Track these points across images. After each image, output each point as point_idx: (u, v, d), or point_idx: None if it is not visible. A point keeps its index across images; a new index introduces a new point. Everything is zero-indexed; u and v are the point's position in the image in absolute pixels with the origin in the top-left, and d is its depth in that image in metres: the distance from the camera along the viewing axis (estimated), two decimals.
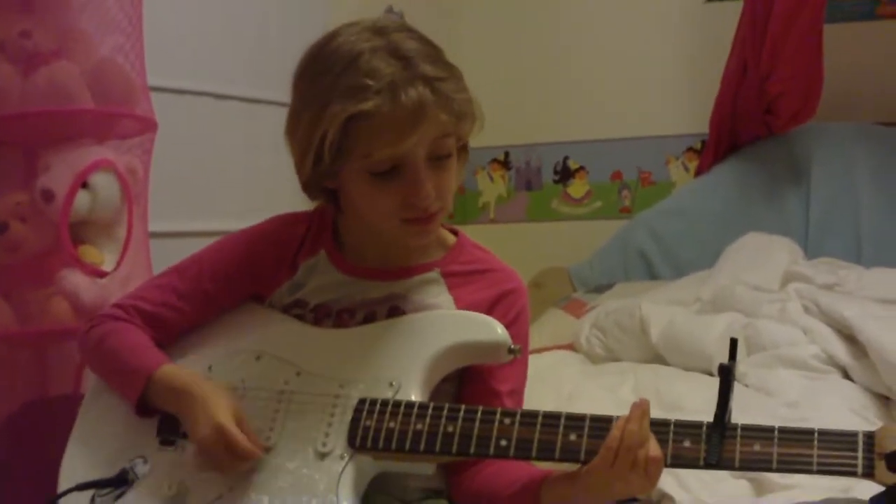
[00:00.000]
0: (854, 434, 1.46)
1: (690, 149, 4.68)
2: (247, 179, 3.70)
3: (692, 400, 2.60)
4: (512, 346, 1.62)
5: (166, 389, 1.66)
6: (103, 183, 2.67)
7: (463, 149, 1.70)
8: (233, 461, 1.57)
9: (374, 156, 1.57)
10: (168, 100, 3.22)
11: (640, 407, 1.48)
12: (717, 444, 1.46)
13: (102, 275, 2.65)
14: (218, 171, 3.68)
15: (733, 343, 1.50)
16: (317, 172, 1.64)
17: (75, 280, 2.61)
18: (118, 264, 2.71)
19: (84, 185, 2.63)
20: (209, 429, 1.57)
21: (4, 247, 2.68)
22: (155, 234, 2.97)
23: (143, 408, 1.69)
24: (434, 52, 1.60)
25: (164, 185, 3.09)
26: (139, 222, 2.82)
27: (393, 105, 1.53)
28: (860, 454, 1.44)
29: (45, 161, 2.67)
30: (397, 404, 1.58)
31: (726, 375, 1.48)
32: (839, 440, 1.46)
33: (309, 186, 1.70)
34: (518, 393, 1.75)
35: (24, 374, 2.88)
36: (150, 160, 2.90)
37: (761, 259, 3.66)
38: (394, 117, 1.53)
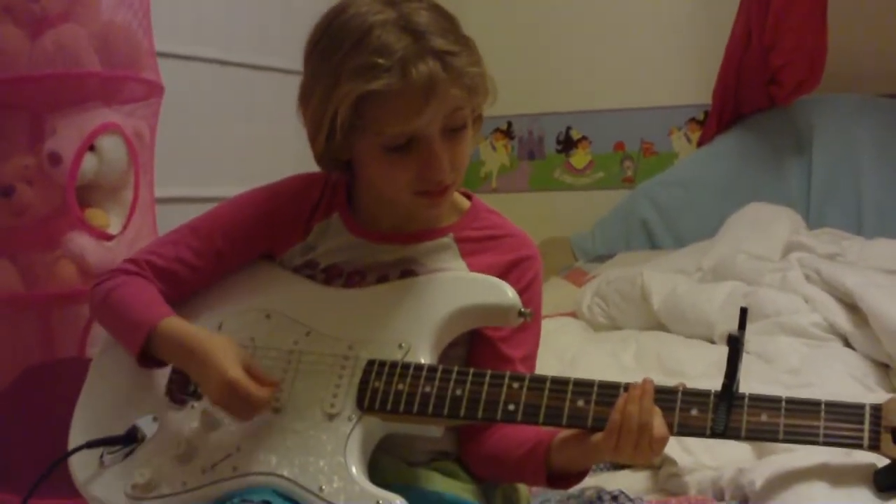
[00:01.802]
0: (861, 406, 1.47)
1: (693, 119, 4.68)
2: (251, 145, 3.72)
3: (693, 366, 2.61)
4: (522, 310, 1.60)
5: (171, 343, 1.64)
6: (110, 146, 2.68)
7: (478, 118, 1.68)
8: (249, 411, 1.57)
9: (387, 133, 1.56)
10: (174, 66, 3.22)
11: (642, 387, 1.49)
12: (725, 413, 1.47)
13: (109, 238, 2.66)
14: (222, 138, 3.69)
15: (743, 312, 1.49)
16: (330, 147, 1.63)
17: (82, 243, 2.62)
18: (124, 227, 2.72)
19: (91, 149, 2.65)
20: (221, 384, 1.56)
21: (11, 210, 2.69)
22: (160, 200, 2.97)
23: (147, 360, 1.68)
24: (447, 24, 1.58)
25: (169, 151, 3.10)
26: (145, 186, 2.83)
27: (403, 82, 1.51)
28: (866, 427, 1.46)
29: (52, 124, 2.68)
30: (406, 366, 1.57)
31: (735, 345, 1.48)
32: (846, 412, 1.47)
33: (322, 160, 1.69)
34: (531, 359, 1.74)
35: (30, 337, 2.89)
36: (157, 124, 2.90)
37: (763, 229, 3.67)
38: (405, 94, 1.51)
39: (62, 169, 2.62)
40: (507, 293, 1.61)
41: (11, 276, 2.69)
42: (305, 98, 1.63)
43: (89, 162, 2.65)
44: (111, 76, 2.75)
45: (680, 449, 1.98)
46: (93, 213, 2.69)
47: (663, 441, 1.46)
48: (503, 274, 1.69)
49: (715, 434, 1.47)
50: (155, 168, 2.93)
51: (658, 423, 1.46)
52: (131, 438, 1.67)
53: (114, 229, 2.71)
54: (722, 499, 1.78)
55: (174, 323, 1.66)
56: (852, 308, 2.72)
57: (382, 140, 1.57)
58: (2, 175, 2.70)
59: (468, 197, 1.80)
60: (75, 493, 1.70)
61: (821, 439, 1.46)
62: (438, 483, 1.64)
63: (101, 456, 1.68)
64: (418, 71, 1.50)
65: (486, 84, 1.62)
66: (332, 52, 1.56)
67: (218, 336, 1.65)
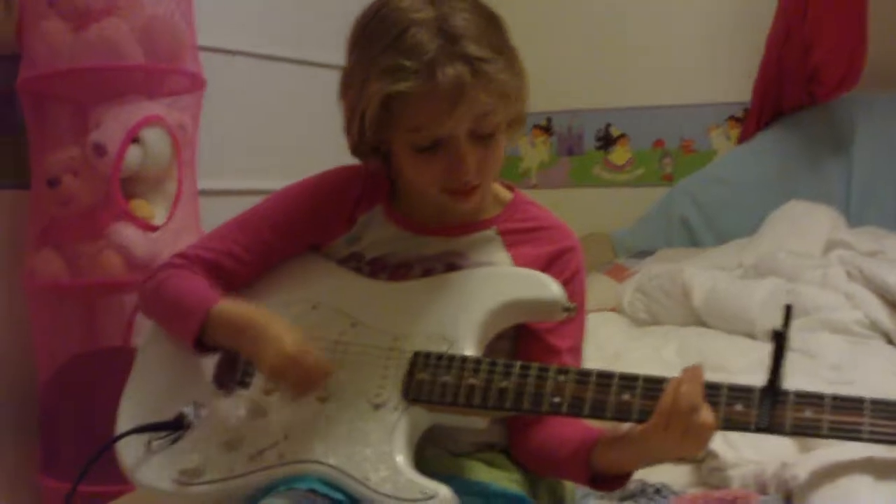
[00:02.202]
0: None
1: (732, 117, 4.66)
2: (292, 139, 3.73)
3: (736, 361, 2.60)
4: (566, 305, 1.60)
5: (226, 325, 1.65)
6: (154, 138, 2.71)
7: (515, 122, 1.67)
8: (306, 383, 1.59)
9: (414, 133, 1.57)
10: (218, 60, 3.25)
11: (693, 372, 1.47)
12: (769, 408, 1.46)
13: (153, 229, 2.68)
14: (264, 131, 3.71)
15: (788, 309, 1.47)
16: (363, 140, 1.64)
17: (126, 233, 2.65)
18: (168, 218, 2.74)
19: (135, 140, 2.67)
20: (280, 357, 1.57)
21: (56, 200, 2.72)
22: (203, 192, 2.99)
23: (202, 346, 1.69)
24: (487, 27, 1.57)
25: (212, 144, 3.12)
26: (188, 178, 2.85)
27: (430, 86, 1.51)
28: None
29: (97, 116, 2.71)
30: (452, 358, 1.57)
31: (780, 341, 1.47)
32: (890, 409, 1.46)
33: (357, 150, 1.70)
34: (577, 350, 1.74)
35: (74, 326, 2.92)
36: (199, 117, 2.92)
37: (803, 227, 3.66)
38: (431, 98, 1.52)
39: (107, 160, 2.65)
40: (552, 288, 1.61)
41: (57, 266, 2.72)
42: (343, 89, 1.65)
43: (133, 153, 2.67)
44: (154, 69, 2.78)
45: (723, 443, 1.98)
46: (137, 204, 2.72)
47: (711, 429, 1.45)
48: (546, 265, 1.69)
49: (759, 429, 1.46)
50: (198, 161, 2.95)
51: (707, 410, 1.45)
52: (178, 425, 1.68)
53: (158, 220, 2.73)
54: (765, 493, 1.78)
55: (227, 305, 1.67)
56: (894, 305, 2.71)
57: (411, 139, 1.58)
58: (48, 166, 2.73)
59: (510, 189, 1.80)
60: (122, 481, 1.71)
61: (865, 436, 1.44)
62: (483, 473, 1.64)
63: (149, 442, 1.69)
64: (445, 74, 1.50)
65: (522, 92, 1.62)
66: (369, 46, 1.57)
67: (271, 312, 1.66)
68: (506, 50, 1.58)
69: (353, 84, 1.61)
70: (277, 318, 1.63)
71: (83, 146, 2.70)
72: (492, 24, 1.58)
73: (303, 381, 1.59)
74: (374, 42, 1.56)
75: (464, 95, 1.52)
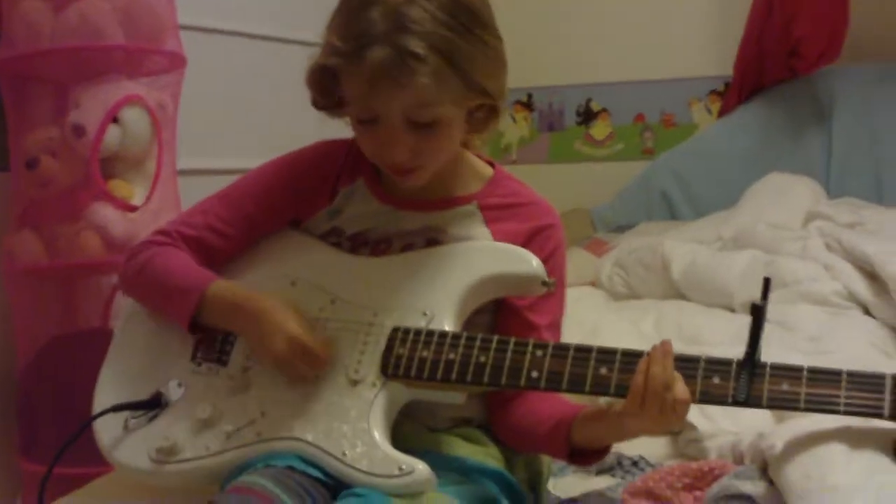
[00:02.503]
0: (882, 376, 1.47)
1: (713, 91, 4.67)
2: (273, 118, 3.72)
3: (713, 334, 2.62)
4: (546, 280, 1.61)
5: (223, 305, 1.65)
6: (133, 118, 2.70)
7: (492, 112, 1.67)
8: (311, 369, 1.59)
9: (352, 104, 1.59)
10: (197, 38, 3.23)
11: (662, 349, 1.48)
12: (746, 381, 1.47)
13: (132, 209, 2.68)
14: (244, 110, 3.70)
15: (766, 282, 1.49)
16: (325, 108, 1.68)
17: (105, 214, 2.64)
18: (148, 198, 2.73)
19: (114, 120, 2.66)
20: (284, 342, 1.57)
21: (35, 181, 2.71)
22: (183, 172, 2.99)
23: (194, 326, 1.68)
24: (449, 26, 1.54)
25: (192, 123, 3.11)
26: (168, 158, 2.84)
27: (354, 66, 1.53)
28: (887, 396, 1.46)
29: (76, 96, 2.70)
30: (430, 333, 1.58)
31: (758, 314, 1.48)
32: (867, 382, 1.47)
33: (318, 108, 1.71)
34: (556, 326, 1.74)
35: (53, 308, 2.91)
36: (179, 96, 2.92)
37: (783, 199, 3.67)
38: (355, 77, 1.54)
39: (86, 141, 2.64)
40: (532, 263, 1.62)
41: (36, 247, 2.71)
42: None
43: (113, 134, 2.67)
44: (134, 48, 2.77)
45: (700, 415, 2.00)
46: (116, 185, 2.71)
47: (686, 404, 1.46)
48: (526, 241, 1.70)
49: (737, 402, 1.47)
50: (177, 140, 2.94)
51: (681, 386, 1.46)
52: (156, 403, 1.67)
53: (137, 201, 2.72)
54: (741, 463, 1.79)
55: (224, 285, 1.67)
56: (872, 276, 2.72)
57: (353, 110, 1.61)
58: (26, 147, 2.72)
59: (491, 164, 1.81)
60: (102, 462, 1.71)
61: (842, 408, 1.46)
62: (461, 448, 1.65)
63: (126, 421, 1.68)
64: (369, 58, 1.50)
65: (475, 81, 1.59)
66: (336, 13, 1.60)
67: (270, 296, 1.65)
68: (460, 55, 1.55)
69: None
70: (279, 301, 1.63)
71: (62, 127, 2.69)
72: (459, 23, 1.55)
73: (305, 370, 1.59)
74: (340, 11, 1.59)
75: (381, 82, 1.52)
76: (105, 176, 2.68)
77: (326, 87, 1.62)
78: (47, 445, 2.56)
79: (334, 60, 1.54)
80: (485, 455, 1.66)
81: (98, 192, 2.65)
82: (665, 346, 1.49)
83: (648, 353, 1.50)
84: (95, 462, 1.74)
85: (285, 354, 1.58)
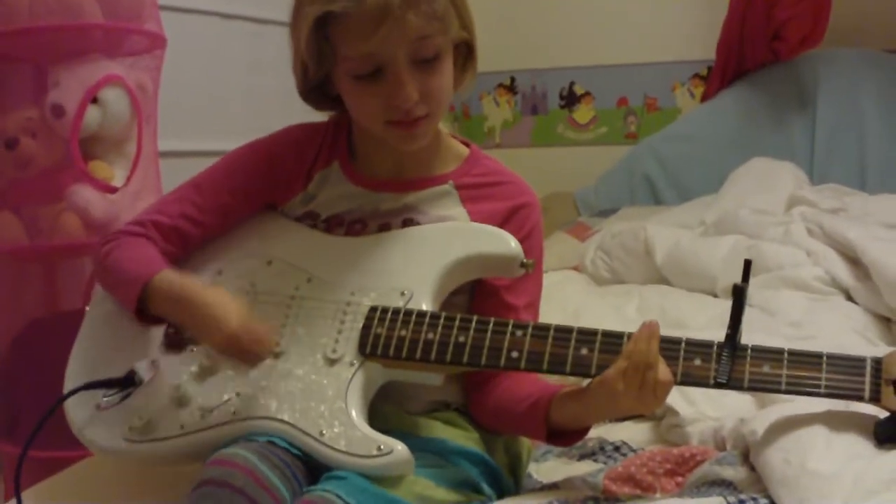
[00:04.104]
0: (862, 359, 1.48)
1: (697, 75, 4.67)
2: (253, 99, 3.70)
3: (696, 318, 2.62)
4: (525, 261, 1.61)
5: (165, 298, 1.63)
6: (113, 98, 2.68)
7: (470, 54, 1.69)
8: (254, 358, 1.58)
9: (349, 56, 1.57)
10: (175, 19, 3.21)
11: (649, 328, 1.48)
12: (728, 363, 1.47)
13: (113, 190, 2.66)
14: (225, 91, 3.68)
15: (747, 264, 1.50)
16: (307, 79, 1.66)
17: (86, 195, 2.62)
18: (128, 180, 2.71)
19: (94, 101, 2.64)
20: (225, 337, 1.55)
21: (15, 162, 2.69)
22: (164, 153, 2.97)
23: (146, 316, 1.67)
24: None
25: (173, 104, 3.09)
26: (149, 138, 2.82)
27: (358, 6, 1.51)
28: (867, 379, 1.46)
29: (55, 76, 2.67)
30: (409, 313, 1.57)
31: (739, 296, 1.48)
32: (847, 364, 1.47)
33: (306, 95, 1.71)
34: (534, 307, 1.75)
35: (34, 289, 2.90)
36: (160, 77, 2.90)
37: (766, 184, 3.67)
38: (360, 17, 1.52)
39: (65, 121, 2.61)
40: (510, 244, 1.62)
41: (15, 229, 2.69)
42: (291, 26, 1.65)
43: (92, 114, 2.64)
44: (113, 28, 2.74)
45: (682, 400, 1.99)
46: (96, 166, 2.69)
47: (667, 385, 1.46)
48: (503, 221, 1.70)
49: (718, 384, 1.48)
50: (158, 122, 2.92)
51: (663, 367, 1.46)
52: (129, 382, 1.65)
53: (118, 182, 2.70)
54: (723, 449, 1.79)
55: (168, 276, 1.65)
56: (854, 262, 2.72)
57: (350, 67, 1.59)
58: (5, 128, 2.69)
59: (466, 145, 1.80)
60: (78, 445, 1.70)
61: (822, 391, 1.46)
62: (440, 431, 1.65)
63: (99, 400, 1.66)
64: None
65: (464, 15, 1.62)
66: None
67: (212, 287, 1.64)
68: None
69: (295, 19, 1.62)
70: (220, 293, 1.61)
71: (41, 107, 2.66)
72: None
73: (249, 359, 1.58)
74: None
75: (390, 15, 1.52)
76: (85, 157, 2.65)
77: (318, 52, 1.59)
78: (28, 428, 2.54)
79: (340, 4, 1.52)
80: (465, 438, 1.65)
81: (78, 173, 2.63)
82: (652, 326, 1.49)
83: (634, 332, 1.49)
84: (79, 445, 1.71)
85: (226, 346, 1.56)
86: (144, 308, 1.66)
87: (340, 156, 1.76)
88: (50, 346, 2.62)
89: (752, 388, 1.49)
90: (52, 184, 2.67)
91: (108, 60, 2.72)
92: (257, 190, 1.77)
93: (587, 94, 4.85)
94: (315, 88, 1.69)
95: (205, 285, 1.64)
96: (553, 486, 1.68)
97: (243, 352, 1.57)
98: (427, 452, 1.58)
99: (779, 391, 1.48)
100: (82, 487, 1.88)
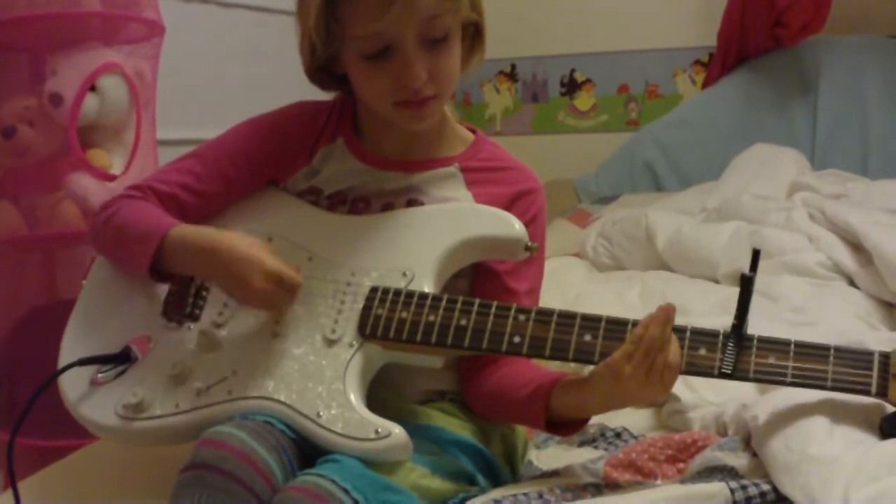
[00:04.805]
0: (870, 353, 1.46)
1: (698, 62, 4.66)
2: (253, 87, 3.69)
3: (698, 305, 2.60)
4: (529, 244, 1.59)
5: (188, 248, 1.60)
6: (111, 86, 2.67)
7: (478, 35, 1.68)
8: (291, 297, 1.57)
9: (359, 35, 1.55)
10: (174, 7, 3.20)
11: (665, 311, 1.46)
12: (733, 354, 1.46)
13: (111, 178, 2.65)
14: (224, 79, 3.67)
15: (755, 254, 1.47)
16: (315, 59, 1.64)
17: (84, 184, 2.62)
18: (127, 168, 2.71)
19: (92, 89, 2.63)
20: (264, 274, 1.54)
21: (13, 151, 2.68)
22: (162, 142, 2.96)
23: (158, 273, 1.64)
24: None
25: (171, 93, 3.08)
26: (147, 126, 2.82)
27: None
28: (875, 374, 1.44)
29: (53, 65, 2.67)
30: (410, 294, 1.55)
31: (747, 286, 1.46)
32: (855, 358, 1.46)
33: (312, 75, 1.69)
34: (535, 293, 1.73)
35: (32, 278, 2.89)
36: (158, 65, 2.89)
37: (768, 170, 3.66)
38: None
39: (63, 109, 2.61)
40: (515, 226, 1.60)
41: (14, 218, 2.68)
42: (297, 10, 1.64)
43: (90, 102, 2.64)
44: (111, 15, 2.73)
45: (683, 385, 1.98)
46: (95, 154, 2.69)
47: (675, 370, 1.44)
48: (507, 206, 1.68)
49: (723, 374, 1.46)
50: (157, 110, 2.92)
51: (675, 350, 1.44)
52: (125, 358, 1.63)
53: (116, 170, 2.70)
54: (725, 435, 1.78)
55: (188, 228, 1.62)
56: (856, 247, 2.71)
57: (358, 46, 1.57)
58: (3, 116, 2.69)
59: (472, 131, 1.80)
60: (84, 434, 1.68)
61: (829, 384, 1.44)
62: (437, 419, 1.63)
63: (93, 376, 1.64)
64: None
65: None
66: None
67: (236, 233, 1.61)
68: None
69: (299, 2, 1.61)
70: (243, 236, 1.59)
71: (39, 95, 2.66)
72: None
73: (286, 299, 1.57)
74: None
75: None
76: (83, 145, 2.65)
77: (327, 31, 1.58)
78: (28, 417, 2.54)
79: None
80: (461, 428, 1.64)
81: (76, 161, 2.62)
82: (669, 310, 1.46)
83: (633, 327, 1.47)
84: (82, 434, 1.70)
85: (265, 286, 1.54)
86: (158, 265, 1.63)
87: (345, 132, 1.75)
88: (49, 335, 2.62)
89: (757, 380, 1.47)
90: (50, 172, 2.67)
91: (106, 48, 2.71)
92: (260, 162, 1.74)
93: (588, 81, 4.84)
94: (322, 68, 1.68)
95: (226, 232, 1.61)
96: (553, 473, 1.67)
97: (279, 291, 1.55)
98: (424, 440, 1.56)
99: (784, 383, 1.46)
100: (81, 477, 1.87)
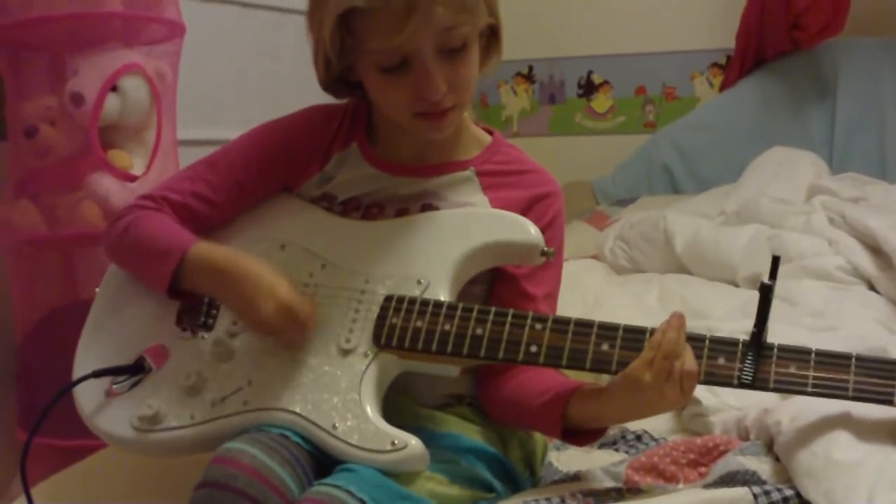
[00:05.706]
0: (892, 362, 1.44)
1: (715, 64, 4.65)
2: (271, 88, 3.70)
3: (717, 308, 2.60)
4: (545, 249, 1.57)
5: (205, 269, 1.58)
6: (132, 86, 2.68)
7: (494, 37, 1.65)
8: (301, 334, 1.54)
9: (375, 50, 1.53)
10: (194, 7, 3.21)
11: (679, 318, 1.45)
12: (753, 363, 1.44)
13: (132, 179, 2.66)
14: (245, 80, 3.68)
15: (775, 261, 1.46)
16: (330, 71, 1.62)
17: (105, 184, 2.62)
18: (148, 168, 2.71)
19: (113, 89, 2.64)
20: (273, 306, 1.52)
21: (34, 151, 2.69)
22: (183, 142, 2.97)
23: (175, 291, 1.62)
24: None
25: (192, 93, 3.09)
26: (168, 127, 2.82)
27: (386, 1, 1.48)
28: None
29: (74, 65, 2.67)
30: (426, 303, 1.53)
31: (766, 294, 1.44)
32: (877, 367, 1.44)
33: (327, 85, 1.67)
34: (553, 297, 1.71)
35: (52, 278, 2.89)
36: (179, 65, 2.89)
37: (786, 173, 3.66)
38: (386, 10, 1.48)
39: (85, 110, 2.61)
40: (531, 231, 1.58)
41: (35, 217, 2.69)
42: (309, 19, 1.61)
43: (112, 102, 2.64)
44: (132, 16, 2.74)
45: (704, 389, 1.97)
46: (116, 154, 2.69)
47: (694, 377, 1.42)
48: (525, 209, 1.66)
49: (743, 384, 1.44)
50: (177, 110, 2.92)
51: (690, 357, 1.43)
52: (139, 369, 1.62)
53: (137, 170, 2.70)
54: (746, 439, 1.78)
55: (206, 248, 1.60)
56: (876, 251, 2.71)
57: (375, 59, 1.55)
58: (25, 116, 2.70)
59: (489, 132, 1.78)
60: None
61: (850, 394, 1.43)
62: (454, 426, 1.62)
63: (108, 387, 1.63)
64: None
65: (490, 2, 1.60)
66: None
67: (255, 259, 1.58)
68: None
69: (315, 11, 1.58)
70: (264, 264, 1.57)
71: (61, 95, 2.67)
72: None
73: (297, 334, 1.55)
74: None
75: (417, 9, 1.48)
76: (104, 146, 2.65)
77: (342, 45, 1.56)
78: (47, 417, 2.55)
79: (359, 1, 1.48)
80: (479, 434, 1.62)
81: (97, 161, 2.63)
82: (680, 317, 1.46)
83: (655, 329, 1.47)
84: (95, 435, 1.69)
85: (274, 320, 1.52)
86: (177, 282, 1.61)
87: (359, 138, 1.73)
88: (68, 336, 2.62)
89: (777, 389, 1.45)
90: (71, 172, 2.67)
91: (127, 49, 2.72)
92: (273, 171, 1.72)
93: (605, 82, 4.84)
94: (337, 79, 1.66)
95: (245, 255, 1.59)
96: (574, 477, 1.67)
97: (290, 325, 1.53)
98: (440, 448, 1.54)
99: (805, 393, 1.44)
100: (94, 481, 1.87)
